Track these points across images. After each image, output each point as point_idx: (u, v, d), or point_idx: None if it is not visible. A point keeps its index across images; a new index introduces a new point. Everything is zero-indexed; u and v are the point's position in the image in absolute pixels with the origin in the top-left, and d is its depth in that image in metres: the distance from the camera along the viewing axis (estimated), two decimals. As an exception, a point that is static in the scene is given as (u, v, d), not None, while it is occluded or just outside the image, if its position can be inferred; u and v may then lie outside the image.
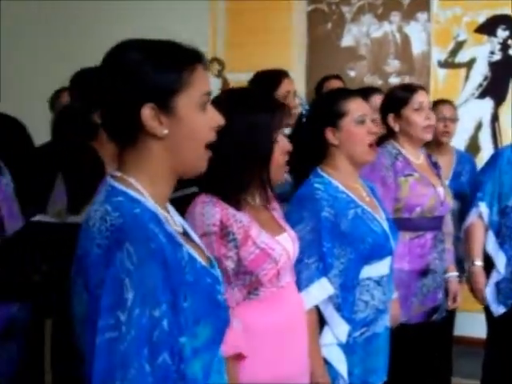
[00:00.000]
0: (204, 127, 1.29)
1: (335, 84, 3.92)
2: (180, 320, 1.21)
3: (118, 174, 1.28)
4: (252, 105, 1.82)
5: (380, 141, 2.95)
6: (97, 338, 1.14)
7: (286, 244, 1.87)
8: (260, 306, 1.81)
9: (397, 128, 2.89)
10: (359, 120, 2.21)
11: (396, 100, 2.91)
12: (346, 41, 5.03)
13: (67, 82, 3.06)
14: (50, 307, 1.88)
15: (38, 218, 1.49)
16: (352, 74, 4.98)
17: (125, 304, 1.14)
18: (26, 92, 3.95)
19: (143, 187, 1.26)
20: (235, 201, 1.77)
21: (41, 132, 2.82)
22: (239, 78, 4.21)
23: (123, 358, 1.13)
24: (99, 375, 1.13)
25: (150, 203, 1.26)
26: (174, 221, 1.34)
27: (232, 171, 1.68)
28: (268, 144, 1.81)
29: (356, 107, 2.22)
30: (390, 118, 2.90)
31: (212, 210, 1.72)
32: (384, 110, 2.96)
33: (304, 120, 2.39)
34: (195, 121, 1.27)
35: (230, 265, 1.74)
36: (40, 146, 3.01)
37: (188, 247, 1.30)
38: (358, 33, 5.01)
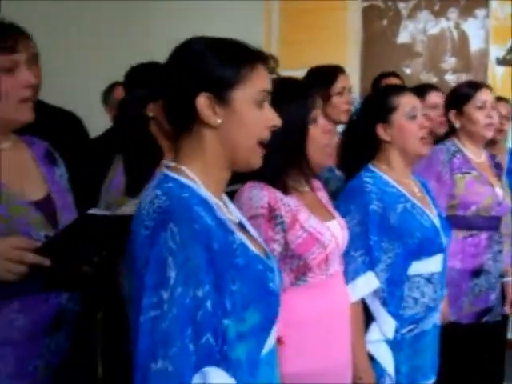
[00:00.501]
0: (258, 123, 1.32)
1: (392, 81, 3.87)
2: (225, 302, 1.23)
3: (172, 163, 1.33)
4: (283, 89, 1.82)
5: (443, 138, 2.93)
6: (141, 317, 1.17)
7: (335, 230, 1.86)
8: (307, 293, 1.80)
9: (458, 125, 2.87)
10: (410, 114, 2.19)
11: (459, 96, 2.88)
12: (402, 37, 4.96)
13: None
14: (99, 298, 1.91)
15: (92, 211, 1.49)
16: (408, 71, 4.92)
17: (167, 282, 1.17)
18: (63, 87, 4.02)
19: (196, 175, 1.30)
20: (281, 185, 1.77)
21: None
22: (293, 75, 4.19)
23: (165, 335, 1.16)
24: (142, 353, 1.17)
25: (201, 190, 1.29)
26: (228, 210, 1.37)
27: (271, 155, 1.68)
28: (303, 125, 1.80)
29: (406, 101, 2.20)
30: (452, 115, 2.88)
31: (260, 193, 1.73)
32: (446, 107, 2.94)
33: (356, 117, 2.38)
34: (249, 115, 1.30)
35: (276, 248, 1.73)
36: (95, 138, 3.06)
37: (241, 235, 1.32)
38: (415, 29, 4.94)
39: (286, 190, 1.78)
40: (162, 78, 1.34)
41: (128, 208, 1.61)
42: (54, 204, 1.67)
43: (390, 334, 2.11)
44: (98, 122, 3.45)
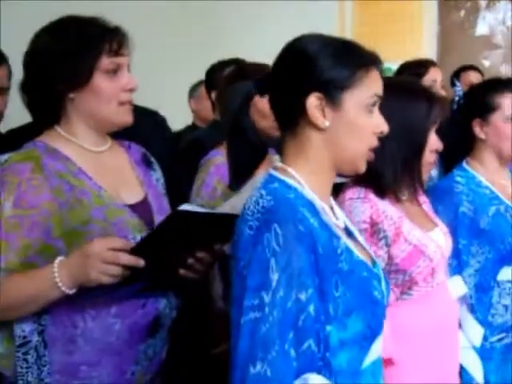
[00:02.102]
0: (366, 129, 1.29)
1: (472, 75, 3.80)
2: (328, 307, 1.20)
3: (279, 164, 1.31)
4: (412, 93, 1.74)
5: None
6: (242, 318, 1.16)
7: (439, 240, 1.78)
8: (414, 307, 1.71)
9: None
10: (511, 117, 2.10)
11: None
12: (480, 29, 4.81)
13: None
14: (195, 302, 1.87)
15: (184, 207, 1.42)
16: (486, 63, 4.76)
17: (269, 284, 1.15)
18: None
19: (301, 176, 1.28)
20: (390, 193, 1.69)
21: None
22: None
23: (264, 339, 1.14)
24: (242, 354, 1.16)
25: (306, 191, 1.27)
26: (334, 214, 1.34)
27: (385, 161, 1.60)
28: (424, 134, 1.72)
29: (509, 103, 2.10)
30: None
31: (361, 207, 1.66)
32: None
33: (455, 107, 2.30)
34: (358, 120, 1.27)
35: (380, 264, 1.63)
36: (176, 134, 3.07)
37: (346, 240, 1.29)
38: (493, 20, 4.78)
39: (392, 199, 1.70)
40: (271, 74, 1.31)
41: (223, 208, 1.56)
42: (151, 208, 1.65)
43: (477, 342, 2.03)
44: (180, 121, 3.48)
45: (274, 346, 1.13)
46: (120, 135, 1.72)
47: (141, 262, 1.42)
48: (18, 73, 1.97)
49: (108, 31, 1.57)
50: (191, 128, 3.74)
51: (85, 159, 1.59)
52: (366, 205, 1.67)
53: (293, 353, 1.15)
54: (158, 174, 1.78)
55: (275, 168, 1.31)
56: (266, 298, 1.14)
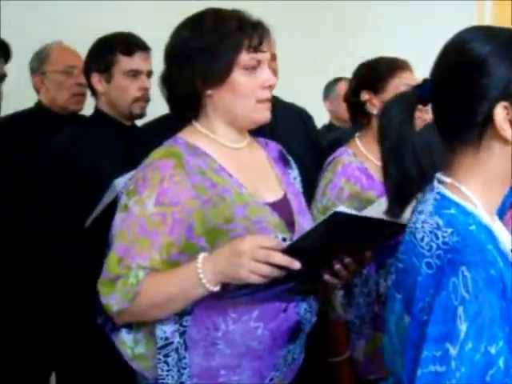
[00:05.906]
0: None
1: None
2: None
3: (448, 179, 1.17)
4: None
5: None
6: (418, 370, 1.04)
7: None
8: None
9: None
10: None
11: None
12: None
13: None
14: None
15: (340, 209, 1.33)
16: None
17: (457, 336, 1.02)
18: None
19: (476, 196, 1.14)
20: None
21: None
22: None
23: None
24: None
25: (485, 218, 1.14)
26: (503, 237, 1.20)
27: None
28: None
29: None
30: None
31: None
32: None
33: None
34: None
35: None
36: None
37: None
38: None
39: None
40: (435, 81, 1.18)
41: (371, 211, 1.46)
42: (291, 207, 1.60)
43: None
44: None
45: None
46: (264, 130, 1.68)
47: (296, 264, 1.34)
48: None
49: (248, 26, 1.52)
50: (327, 127, 3.71)
51: (224, 156, 1.56)
52: None
53: None
54: (295, 173, 1.74)
55: (441, 182, 1.18)
56: (453, 351, 1.02)
